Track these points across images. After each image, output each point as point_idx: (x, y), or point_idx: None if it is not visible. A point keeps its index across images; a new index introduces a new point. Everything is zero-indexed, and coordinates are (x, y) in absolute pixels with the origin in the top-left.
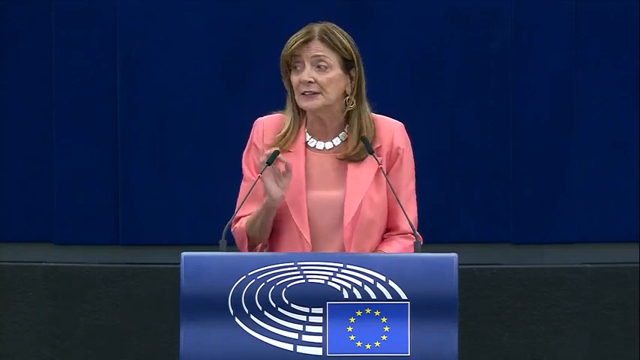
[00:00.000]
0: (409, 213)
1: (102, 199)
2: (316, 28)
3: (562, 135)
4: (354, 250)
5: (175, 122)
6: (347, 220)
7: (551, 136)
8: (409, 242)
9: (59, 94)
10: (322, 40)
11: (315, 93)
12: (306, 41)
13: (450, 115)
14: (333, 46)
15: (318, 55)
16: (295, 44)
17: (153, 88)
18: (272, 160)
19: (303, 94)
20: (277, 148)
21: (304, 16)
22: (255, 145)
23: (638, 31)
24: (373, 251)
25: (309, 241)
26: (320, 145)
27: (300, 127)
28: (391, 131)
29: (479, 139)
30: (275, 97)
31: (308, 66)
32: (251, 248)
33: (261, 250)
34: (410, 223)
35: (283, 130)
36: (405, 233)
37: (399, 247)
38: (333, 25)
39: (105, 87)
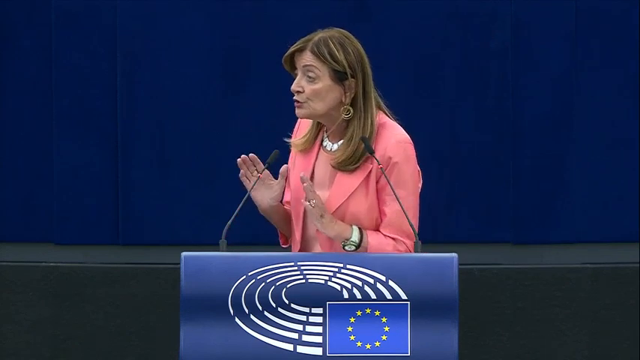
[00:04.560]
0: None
1: (102, 199)
2: (315, 37)
3: (562, 135)
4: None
5: (175, 122)
6: None
7: (551, 136)
8: (386, 241)
9: (59, 94)
10: (312, 51)
11: (301, 102)
12: (301, 50)
13: (450, 115)
14: (322, 58)
15: (307, 66)
16: (290, 53)
17: (153, 88)
18: (272, 160)
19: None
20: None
21: (304, 16)
22: (293, 135)
23: (638, 31)
24: None
25: (298, 238)
26: (329, 145)
27: (322, 125)
28: (386, 143)
29: (479, 139)
30: (274, 97)
31: (300, 75)
32: (284, 240)
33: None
34: (410, 224)
35: (306, 130)
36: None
37: (381, 239)
38: (339, 32)
39: (105, 87)
